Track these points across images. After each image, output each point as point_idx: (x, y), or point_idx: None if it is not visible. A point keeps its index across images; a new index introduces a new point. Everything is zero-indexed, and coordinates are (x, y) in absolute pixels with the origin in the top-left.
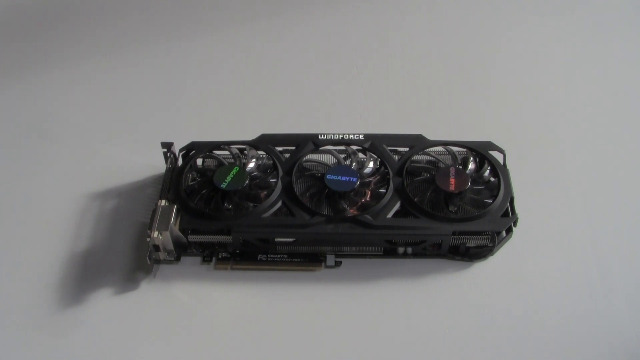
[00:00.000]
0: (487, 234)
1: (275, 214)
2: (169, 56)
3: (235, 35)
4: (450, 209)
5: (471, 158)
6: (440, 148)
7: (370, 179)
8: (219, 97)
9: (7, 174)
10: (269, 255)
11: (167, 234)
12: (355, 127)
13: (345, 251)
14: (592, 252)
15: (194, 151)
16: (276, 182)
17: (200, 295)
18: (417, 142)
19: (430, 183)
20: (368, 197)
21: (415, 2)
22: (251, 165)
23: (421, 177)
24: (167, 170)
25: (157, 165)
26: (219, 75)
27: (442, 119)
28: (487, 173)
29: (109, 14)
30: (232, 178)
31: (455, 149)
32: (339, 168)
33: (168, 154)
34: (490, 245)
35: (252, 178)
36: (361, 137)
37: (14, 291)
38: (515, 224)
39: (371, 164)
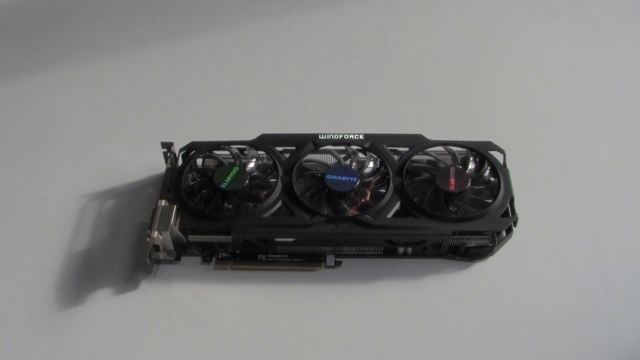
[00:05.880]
0: (487, 234)
1: (275, 214)
2: (169, 56)
3: (235, 35)
4: (450, 209)
5: (471, 158)
6: (440, 148)
7: (370, 178)
8: (219, 97)
9: (7, 174)
10: (269, 255)
11: (167, 234)
12: (355, 127)
13: (345, 251)
14: (592, 252)
15: (194, 151)
16: (276, 182)
17: (200, 295)
18: (417, 142)
19: (430, 183)
20: (368, 197)
21: (415, 2)
22: (251, 165)
23: (421, 177)
24: (167, 170)
25: (157, 165)
26: (218, 75)
27: (442, 119)
28: (487, 173)
29: (109, 13)
30: (232, 178)
31: (455, 149)
32: (339, 168)
33: (168, 154)
34: (490, 245)
35: (252, 178)
36: (361, 137)
37: (14, 291)
38: (515, 224)
39: (371, 164)
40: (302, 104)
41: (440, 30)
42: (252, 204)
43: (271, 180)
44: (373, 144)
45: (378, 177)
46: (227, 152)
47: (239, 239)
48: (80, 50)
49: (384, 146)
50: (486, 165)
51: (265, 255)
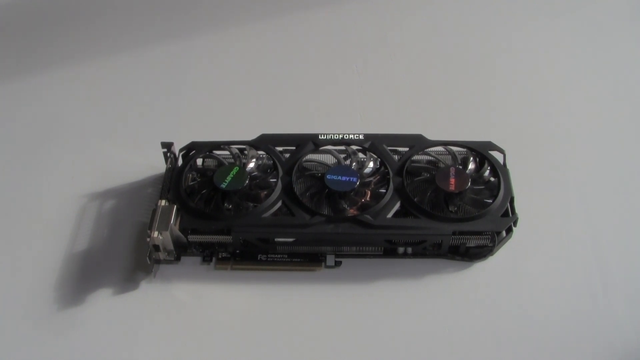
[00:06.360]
0: (487, 234)
1: (275, 214)
2: (169, 56)
3: (235, 35)
4: (450, 209)
5: (471, 158)
6: (440, 148)
7: (370, 178)
8: (219, 97)
9: (7, 174)
10: (269, 255)
11: (167, 234)
12: (355, 127)
13: (345, 251)
14: (592, 252)
15: (194, 151)
16: (276, 182)
17: (200, 295)
18: (417, 142)
19: (430, 183)
20: (368, 197)
21: (415, 2)
22: (251, 165)
23: (421, 177)
24: (167, 170)
25: (157, 165)
26: (219, 75)
27: (442, 119)
28: (487, 173)
29: (109, 13)
30: (232, 178)
31: (455, 149)
32: (339, 168)
33: (168, 154)
34: (490, 245)
35: (252, 178)
36: (361, 137)
37: (14, 291)
38: (515, 224)
39: (371, 164)
40: (302, 104)
41: (440, 30)
42: (252, 204)
43: (271, 180)
44: (373, 144)
45: (378, 177)
46: (227, 152)
47: (239, 239)
48: (80, 50)
49: (384, 146)
50: (486, 165)
51: (265, 255)
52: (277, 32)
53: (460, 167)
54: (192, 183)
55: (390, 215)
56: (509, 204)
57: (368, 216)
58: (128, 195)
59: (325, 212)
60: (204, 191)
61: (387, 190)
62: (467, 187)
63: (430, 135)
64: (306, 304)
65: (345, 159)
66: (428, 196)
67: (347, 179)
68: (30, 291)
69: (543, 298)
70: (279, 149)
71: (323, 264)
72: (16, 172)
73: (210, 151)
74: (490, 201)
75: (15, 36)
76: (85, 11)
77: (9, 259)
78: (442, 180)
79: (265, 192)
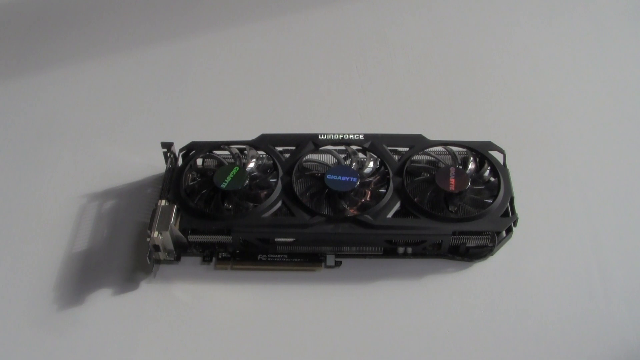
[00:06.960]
0: (487, 234)
1: (275, 214)
2: (169, 56)
3: (235, 35)
4: (450, 209)
5: (471, 158)
6: (440, 148)
7: (370, 179)
8: (219, 97)
9: (7, 174)
10: (269, 255)
11: (167, 234)
12: (355, 127)
13: (345, 251)
14: (592, 252)
15: (194, 151)
16: (276, 182)
17: (200, 295)
18: (417, 142)
19: (430, 183)
20: (368, 197)
21: (415, 2)
22: (251, 165)
23: (421, 177)
24: (167, 170)
25: (157, 165)
26: (218, 75)
27: (442, 119)
28: (487, 173)
29: (109, 13)
30: (232, 178)
31: (455, 149)
32: (339, 168)
33: (168, 154)
34: (490, 245)
35: (252, 178)
36: (361, 137)
37: (14, 291)
38: (515, 224)
39: (371, 164)
40: (302, 104)
41: (440, 30)
42: (252, 204)
43: (271, 180)
44: (373, 144)
45: (378, 177)
46: (227, 152)
47: (239, 239)
48: (80, 50)
49: (384, 146)
50: (486, 165)
51: (265, 255)
52: (277, 32)
53: (460, 167)
54: (192, 183)
55: (390, 215)
56: (509, 204)
57: (368, 216)
58: (128, 195)
59: (325, 212)
60: (203, 191)
61: (387, 190)
62: (467, 187)
63: (430, 135)
64: (306, 304)
65: (345, 159)
66: (428, 196)
67: (347, 179)
68: (30, 291)
69: (543, 298)
70: (279, 149)
71: (323, 264)
72: (16, 172)
73: (210, 151)
74: (490, 201)
75: (15, 36)
76: (85, 11)
77: (9, 259)
78: (442, 180)
79: (265, 192)
